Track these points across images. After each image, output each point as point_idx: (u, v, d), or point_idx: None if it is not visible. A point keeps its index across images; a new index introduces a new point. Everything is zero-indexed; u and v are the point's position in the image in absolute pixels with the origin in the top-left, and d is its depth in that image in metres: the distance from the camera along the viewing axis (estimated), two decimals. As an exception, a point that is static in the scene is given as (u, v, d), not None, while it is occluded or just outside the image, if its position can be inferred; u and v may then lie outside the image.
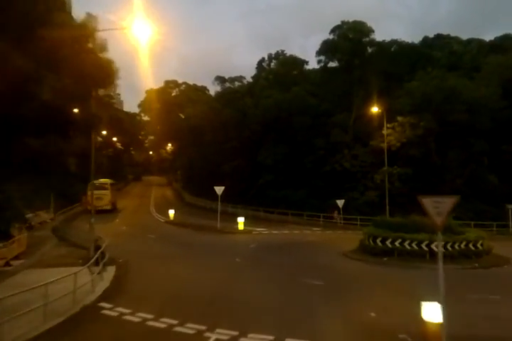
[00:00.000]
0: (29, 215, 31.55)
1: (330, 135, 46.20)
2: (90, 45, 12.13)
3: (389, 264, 20.32)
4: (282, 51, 61.15)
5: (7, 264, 19.14)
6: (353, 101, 47.08)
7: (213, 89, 72.85)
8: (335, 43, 47.70)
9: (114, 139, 79.00)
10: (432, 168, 40.55)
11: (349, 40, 47.02)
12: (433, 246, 20.41)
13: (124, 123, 78.75)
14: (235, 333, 10.22)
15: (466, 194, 34.09)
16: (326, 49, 48.40)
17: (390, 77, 47.41)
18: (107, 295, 13.81)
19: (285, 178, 47.62)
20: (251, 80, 64.27)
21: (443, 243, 20.32)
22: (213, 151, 56.52)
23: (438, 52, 53.85)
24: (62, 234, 29.41)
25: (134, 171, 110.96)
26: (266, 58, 62.17)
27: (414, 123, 40.00)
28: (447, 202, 8.08)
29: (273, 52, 62.81)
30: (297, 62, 57.55)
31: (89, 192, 34.33)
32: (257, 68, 63.42)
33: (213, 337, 10.11)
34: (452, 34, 60.09)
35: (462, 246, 20.77)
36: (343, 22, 47.69)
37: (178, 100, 78.05)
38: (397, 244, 21.24)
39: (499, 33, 56.96)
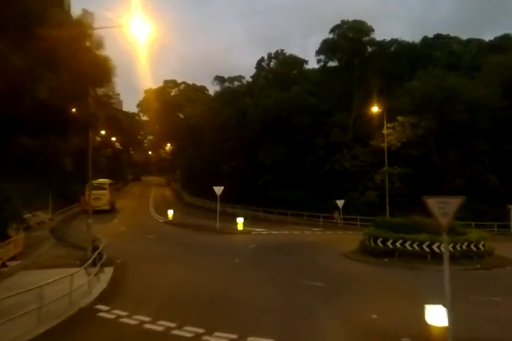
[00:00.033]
0: (27, 215, 31.26)
1: (330, 135, 45.99)
2: (87, 43, 11.90)
3: (390, 265, 20.11)
4: (282, 50, 60.97)
5: (3, 265, 18.90)
6: (352, 100, 46.89)
7: (212, 88, 72.84)
8: (335, 43, 47.47)
9: (113, 139, 78.82)
10: (432, 168, 40.35)
11: (349, 40, 46.77)
12: (434, 247, 20.26)
13: (123, 123, 78.57)
14: (234, 336, 9.99)
15: (467, 194, 33.68)
16: (326, 48, 48.19)
17: (390, 76, 47.24)
18: (103, 297, 13.57)
19: (285, 178, 47.40)
20: (250, 80, 64.09)
21: (447, 244, 20.35)
22: (212, 151, 56.31)
23: (438, 52, 53.68)
24: (61, 234, 29.20)
25: (133, 171, 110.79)
26: (265, 58, 62.00)
27: (415, 123, 39.80)
28: (453, 203, 7.86)
29: (272, 52, 62.68)
30: (297, 62, 57.32)
31: (87, 192, 34.19)
32: (256, 68, 63.22)
33: (212, 340, 9.90)
34: (452, 34, 60.08)
35: (464, 247, 20.57)
36: (342, 21, 47.49)
37: (177, 100, 77.83)
38: (398, 244, 21.04)
39: (498, 33, 57.01)
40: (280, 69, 57.04)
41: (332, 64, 50.34)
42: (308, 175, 46.28)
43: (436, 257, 20.08)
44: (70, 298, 12.17)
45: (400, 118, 40.74)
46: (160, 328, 10.60)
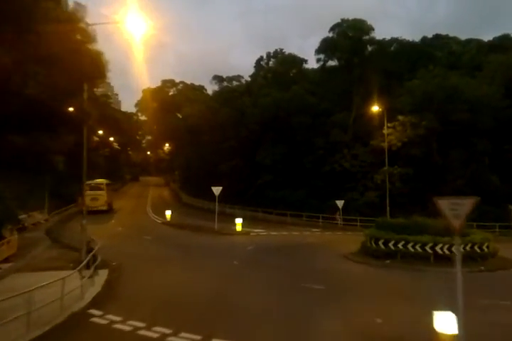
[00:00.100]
0: (22, 216, 30.82)
1: (329, 134, 45.58)
2: (78, 37, 11.49)
3: (392, 267, 19.70)
4: (281, 50, 60.39)
5: (-5, 267, 18.42)
6: (352, 100, 46.47)
7: (211, 88, 72.30)
8: (334, 41, 47.03)
9: (111, 139, 78.33)
10: (433, 168, 39.97)
11: (349, 39, 46.33)
12: (437, 249, 19.85)
13: (120, 123, 78.01)
14: (232, 344, 9.57)
15: (468, 194, 33.28)
16: (326, 47, 47.75)
17: (391, 75, 46.82)
18: (97, 301, 13.11)
19: (284, 178, 46.96)
20: (249, 79, 63.61)
21: (448, 245, 19.92)
22: (211, 151, 55.86)
23: (437, 52, 53.38)
24: (56, 235, 28.73)
25: (132, 171, 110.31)
26: (264, 57, 61.42)
27: (416, 123, 39.38)
28: (466, 204, 7.41)
29: (271, 51, 62.14)
30: (296, 61, 56.83)
31: (84, 193, 33.69)
32: (255, 67, 62.66)
33: (209, 348, 9.47)
34: (450, 35, 59.84)
35: (468, 248, 20.13)
36: (342, 20, 47.04)
37: (176, 100, 77.28)
38: (400, 246, 20.60)
39: (496, 34, 56.68)
40: (279, 69, 56.59)
41: (332, 63, 50.00)
42: (307, 175, 45.85)
43: (439, 259, 19.75)
44: (62, 303, 11.70)
45: (400, 117, 40.32)
46: (155, 335, 10.14)
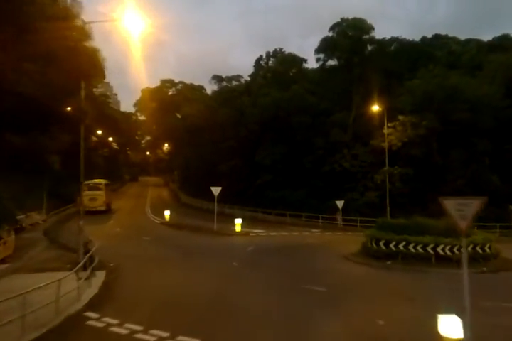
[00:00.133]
0: (20, 216, 30.61)
1: (329, 134, 45.36)
2: (74, 33, 11.31)
3: (393, 268, 19.46)
4: (280, 49, 60.08)
5: (-9, 268, 18.19)
6: (352, 99, 46.24)
7: (210, 88, 72.08)
8: (334, 41, 46.80)
9: (110, 139, 78.13)
10: (433, 168, 39.77)
11: (349, 38, 46.06)
12: (439, 250, 19.65)
13: (119, 123, 77.82)
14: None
15: (468, 194, 33.10)
16: (325, 46, 47.52)
17: (391, 75, 46.60)
18: (93, 303, 12.88)
19: (283, 178, 46.72)
20: (248, 79, 63.36)
21: (450, 246, 19.72)
22: (210, 151, 55.65)
23: (437, 52, 53.21)
24: (54, 236, 28.53)
25: (131, 171, 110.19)
26: (264, 56, 61.14)
27: (416, 123, 39.18)
28: (473, 204, 7.19)
29: (271, 50, 61.84)
30: (296, 60, 56.56)
31: (83, 193, 33.38)
32: (254, 66, 62.36)
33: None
34: (450, 35, 59.64)
35: (469, 249, 19.87)
36: (342, 19, 46.78)
37: (175, 99, 77.07)
38: (401, 247, 20.36)
39: (496, 34, 56.65)
40: (279, 68, 56.31)
41: (331, 62, 49.76)
42: (307, 175, 45.62)
43: (441, 260, 19.54)
44: (57, 305, 11.46)
45: (400, 117, 40.12)
46: (152, 339, 9.90)
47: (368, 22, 47.16)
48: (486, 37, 57.75)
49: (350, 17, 47.24)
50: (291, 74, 55.89)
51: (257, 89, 54.25)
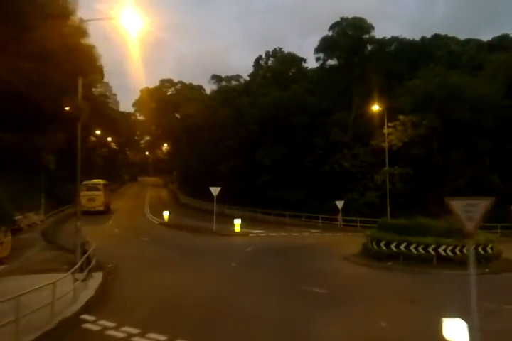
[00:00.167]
0: (18, 217, 30.36)
1: (329, 134, 45.17)
2: (70, 30, 11.09)
3: (394, 269, 19.27)
4: (280, 49, 59.95)
5: (-13, 270, 17.94)
6: (352, 99, 46.07)
7: (209, 88, 71.88)
8: (334, 40, 46.61)
9: (109, 139, 77.87)
10: (433, 168, 39.56)
11: (348, 37, 45.87)
12: (440, 251, 19.44)
13: (118, 123, 77.58)
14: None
15: (468, 195, 32.90)
16: (325, 46, 47.34)
17: (391, 74, 46.40)
18: (90, 306, 12.62)
19: (283, 179, 46.52)
20: (248, 79, 63.14)
21: (452, 247, 19.52)
22: (209, 151, 55.46)
23: (437, 52, 52.96)
24: (52, 237, 28.25)
25: (130, 172, 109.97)
26: (263, 56, 60.93)
27: (416, 122, 38.96)
28: (481, 205, 6.96)
29: (270, 50, 61.57)
30: (296, 60, 56.39)
31: (81, 193, 33.13)
32: (254, 66, 62.16)
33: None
34: (449, 35, 59.40)
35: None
36: (342, 18, 46.58)
37: (174, 99, 76.94)
38: (402, 247, 20.14)
39: (495, 34, 56.51)
40: (278, 68, 56.14)
41: (331, 62, 49.63)
42: (307, 175, 45.42)
43: (442, 261, 19.34)
44: (53, 308, 11.20)
45: (401, 117, 39.90)
46: (149, 343, 9.68)
47: (368, 21, 47.05)
48: (486, 37, 57.67)
49: (350, 16, 47.09)
50: (290, 73, 55.76)
51: (256, 89, 54.08)
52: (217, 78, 64.92)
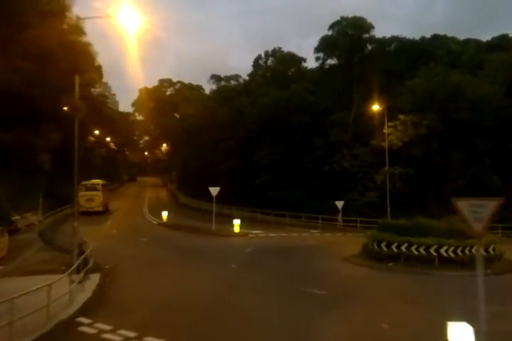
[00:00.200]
0: (16, 217, 30.19)
1: (329, 134, 45.01)
2: (64, 26, 10.84)
3: (395, 270, 19.04)
4: (279, 48, 59.79)
5: (-17, 271, 17.70)
6: (352, 99, 45.92)
7: (209, 88, 71.72)
8: (334, 39, 46.48)
9: (108, 139, 77.64)
10: (434, 168, 39.43)
11: (348, 37, 45.76)
12: (442, 251, 19.23)
13: (117, 123, 77.35)
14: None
15: (469, 195, 32.80)
16: (325, 45, 47.21)
17: (391, 74, 46.26)
18: (87, 308, 12.37)
19: (283, 179, 46.34)
20: (247, 79, 62.96)
21: (454, 248, 19.30)
22: (208, 151, 55.28)
23: (437, 52, 52.86)
24: (50, 237, 28.02)
25: (129, 172, 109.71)
26: (263, 55, 60.76)
27: (417, 122, 38.81)
28: (489, 206, 6.76)
29: (270, 50, 61.35)
30: (295, 60, 56.23)
31: (80, 193, 33.02)
32: (253, 66, 62.01)
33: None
34: (449, 35, 59.35)
35: (473, 250, 19.45)
36: (342, 18, 46.47)
37: (173, 99, 76.74)
38: (403, 248, 19.90)
39: (494, 34, 56.67)
40: (278, 67, 55.97)
41: (331, 62, 49.51)
42: (306, 175, 45.25)
43: (444, 262, 19.13)
44: (48, 311, 10.97)
45: (401, 116, 39.77)
46: (146, 346, 9.46)
47: (368, 21, 46.88)
48: (485, 37, 57.61)
49: (350, 15, 46.91)
50: (290, 73, 55.61)
51: (255, 89, 53.93)
52: (216, 78, 64.76)
